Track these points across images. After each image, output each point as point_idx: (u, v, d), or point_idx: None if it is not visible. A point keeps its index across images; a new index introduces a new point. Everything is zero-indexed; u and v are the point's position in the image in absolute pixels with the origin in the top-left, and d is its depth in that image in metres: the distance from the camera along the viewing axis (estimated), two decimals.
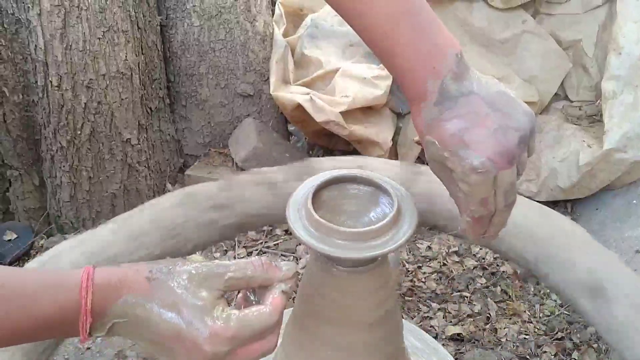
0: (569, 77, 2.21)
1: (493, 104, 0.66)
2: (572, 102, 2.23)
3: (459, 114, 0.66)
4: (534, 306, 1.78)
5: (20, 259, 2.01)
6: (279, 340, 0.89)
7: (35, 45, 1.85)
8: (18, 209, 2.12)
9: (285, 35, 2.34)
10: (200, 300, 0.57)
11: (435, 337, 1.59)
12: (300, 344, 0.83)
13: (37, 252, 2.04)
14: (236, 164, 2.24)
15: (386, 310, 0.79)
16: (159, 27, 2.15)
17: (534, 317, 1.74)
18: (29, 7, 1.81)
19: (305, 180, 0.78)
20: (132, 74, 1.97)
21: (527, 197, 2.02)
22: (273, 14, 2.41)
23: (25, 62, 1.93)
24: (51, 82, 1.86)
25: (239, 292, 0.66)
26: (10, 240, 2.03)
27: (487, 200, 0.67)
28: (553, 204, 2.12)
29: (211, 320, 0.57)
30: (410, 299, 1.79)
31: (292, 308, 0.85)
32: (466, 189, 0.66)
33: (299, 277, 0.72)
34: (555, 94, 2.22)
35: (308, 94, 2.12)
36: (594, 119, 2.16)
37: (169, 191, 2.03)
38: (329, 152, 2.41)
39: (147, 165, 2.13)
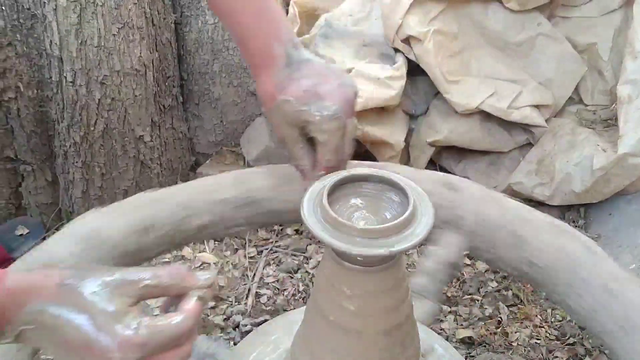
0: (583, 81, 2.19)
1: (327, 68, 0.83)
2: (586, 106, 2.21)
3: (306, 74, 0.80)
4: (546, 311, 1.77)
5: None
6: (289, 342, 0.89)
7: (51, 41, 1.85)
8: (30, 204, 2.13)
9: (299, 34, 2.34)
10: (112, 307, 0.56)
11: (446, 340, 1.58)
12: (310, 344, 0.82)
13: None
14: (248, 162, 2.24)
15: (400, 312, 0.79)
16: (173, 25, 2.15)
17: (546, 322, 1.73)
18: (44, 2, 1.81)
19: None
20: (146, 71, 1.98)
21: (541, 201, 2.04)
22: (287, 14, 2.41)
23: (40, 58, 1.94)
24: (65, 77, 1.87)
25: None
26: (21, 235, 2.03)
27: (341, 148, 0.79)
28: (566, 209, 2.10)
29: (122, 328, 0.55)
30: None
31: (304, 307, 0.85)
32: (323, 138, 0.78)
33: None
34: (570, 97, 2.20)
35: None
36: (609, 123, 2.14)
37: None
38: None
39: (159, 163, 2.13)
